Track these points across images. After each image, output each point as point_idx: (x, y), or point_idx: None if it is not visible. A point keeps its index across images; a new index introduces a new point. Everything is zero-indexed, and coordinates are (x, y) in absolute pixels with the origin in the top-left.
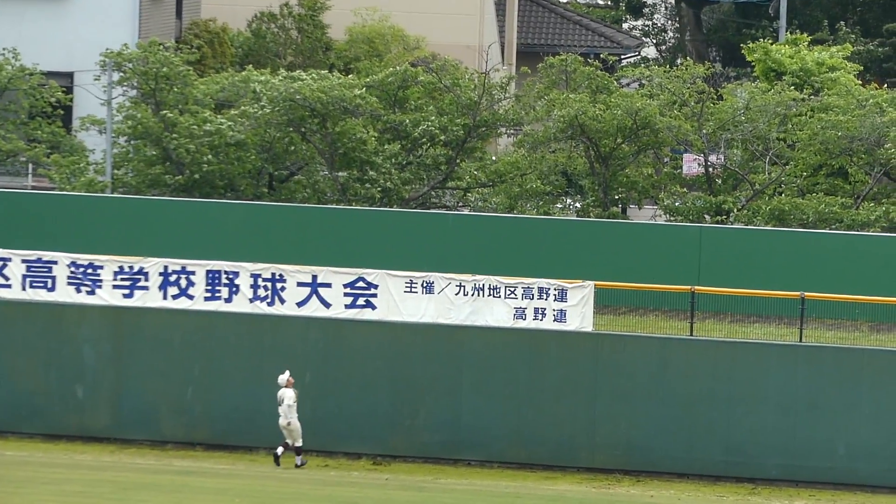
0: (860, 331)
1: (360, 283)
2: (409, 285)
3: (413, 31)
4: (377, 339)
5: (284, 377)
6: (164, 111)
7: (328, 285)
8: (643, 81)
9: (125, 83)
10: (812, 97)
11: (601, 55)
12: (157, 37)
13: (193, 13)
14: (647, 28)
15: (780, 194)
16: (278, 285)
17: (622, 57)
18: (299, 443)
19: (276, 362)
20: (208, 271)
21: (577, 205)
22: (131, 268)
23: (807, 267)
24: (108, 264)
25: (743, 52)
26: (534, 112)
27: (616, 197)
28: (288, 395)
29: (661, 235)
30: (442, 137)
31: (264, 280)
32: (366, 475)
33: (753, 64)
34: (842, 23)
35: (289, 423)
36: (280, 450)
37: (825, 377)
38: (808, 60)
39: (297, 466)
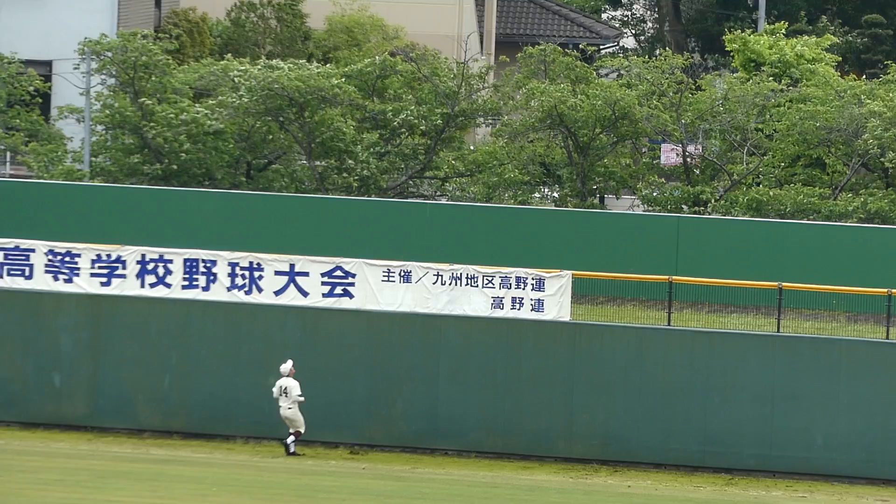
0: (838, 321)
1: (338, 272)
2: (386, 274)
3: (392, 20)
4: (355, 328)
5: (286, 366)
6: (142, 100)
7: (305, 274)
8: (622, 72)
9: (103, 72)
10: (790, 88)
11: (580, 45)
12: (136, 26)
13: (172, 2)
14: (625, 18)
15: (758, 185)
16: (256, 274)
17: (601, 47)
18: (301, 430)
19: (253, 351)
20: (186, 260)
21: (555, 195)
22: (109, 256)
23: (784, 257)
24: (86, 252)
25: (724, 40)
26: (512, 102)
27: (594, 187)
28: (291, 385)
29: (639, 225)
30: (421, 127)
31: (242, 269)
32: (343, 464)
33: (732, 54)
34: (823, 17)
35: (291, 412)
36: (291, 439)
37: (803, 367)
38: (786, 51)
39: (287, 453)
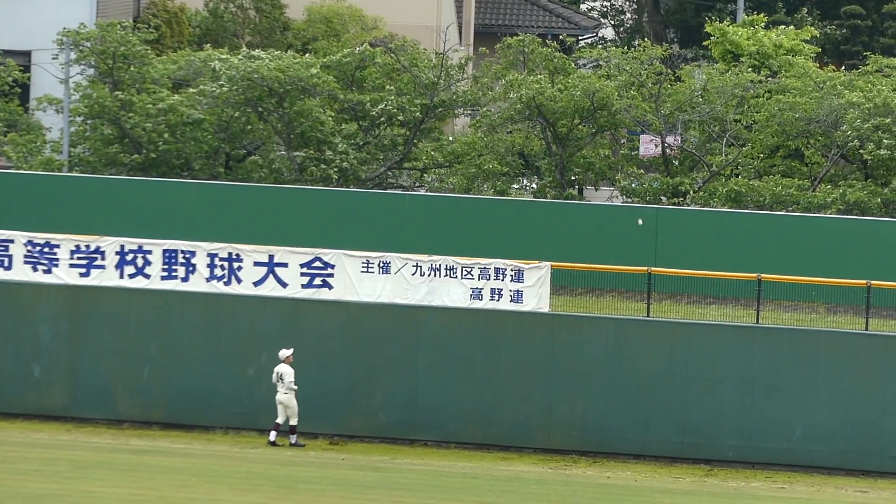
0: (817, 312)
1: (317, 263)
2: (365, 265)
3: (371, 11)
4: (334, 319)
5: (283, 353)
6: (120, 91)
7: (285, 265)
8: (601, 63)
9: (82, 62)
10: (769, 79)
11: (559, 36)
12: (115, 16)
13: None
14: (604, 9)
15: (737, 176)
16: (235, 265)
17: (580, 38)
18: (294, 421)
19: (232, 342)
20: (165, 250)
21: (534, 186)
22: (88, 247)
23: (763, 249)
24: (65, 243)
25: (706, 29)
26: (491, 93)
27: (573, 178)
28: (286, 372)
29: (618, 217)
30: (399, 118)
31: (221, 259)
32: (322, 455)
33: (710, 47)
34: (802, 8)
35: (285, 398)
36: (273, 434)
37: (782, 359)
38: (765, 43)
39: (291, 445)
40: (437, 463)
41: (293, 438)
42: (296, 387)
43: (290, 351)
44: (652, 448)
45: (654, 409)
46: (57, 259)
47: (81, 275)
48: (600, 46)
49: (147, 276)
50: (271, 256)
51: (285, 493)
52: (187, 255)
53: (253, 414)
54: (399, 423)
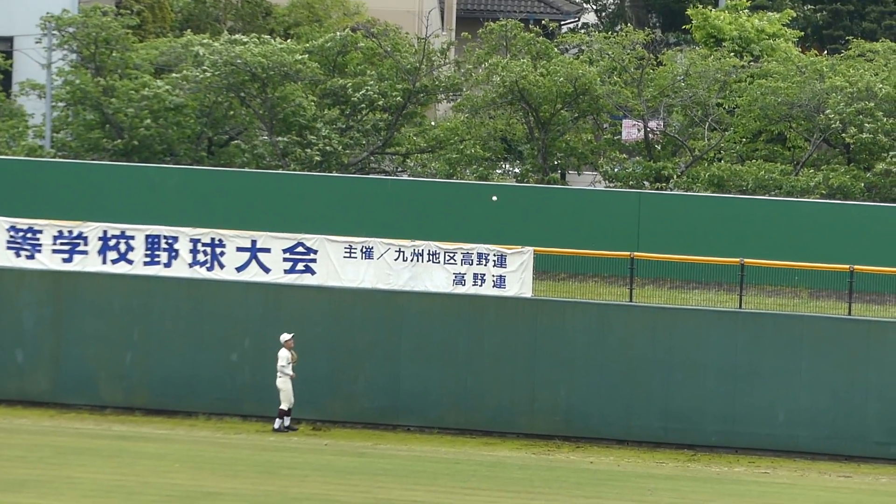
0: (800, 297)
1: (300, 249)
2: (348, 250)
3: None
4: (317, 305)
5: (285, 337)
6: (101, 77)
7: (267, 250)
8: (583, 47)
9: (65, 47)
10: (752, 63)
11: (542, 21)
12: (97, 1)
13: None
14: None
15: (720, 160)
16: (217, 250)
17: (562, 23)
18: (284, 406)
19: (215, 327)
20: (147, 236)
21: (517, 170)
22: (70, 232)
23: (746, 233)
24: (48, 228)
25: (688, 14)
26: (474, 77)
27: (555, 163)
28: (279, 356)
29: (601, 201)
30: (381, 102)
31: (203, 245)
32: (305, 440)
33: (691, 32)
34: None
35: (278, 382)
36: (279, 422)
37: (765, 344)
38: (747, 27)
39: (274, 430)
40: (419, 448)
41: (278, 423)
42: (290, 372)
43: (290, 336)
44: (635, 433)
45: (637, 395)
46: (40, 244)
47: (64, 260)
48: (583, 31)
49: (130, 262)
50: (254, 242)
51: (268, 478)
52: (170, 241)
53: (236, 399)
54: (382, 409)
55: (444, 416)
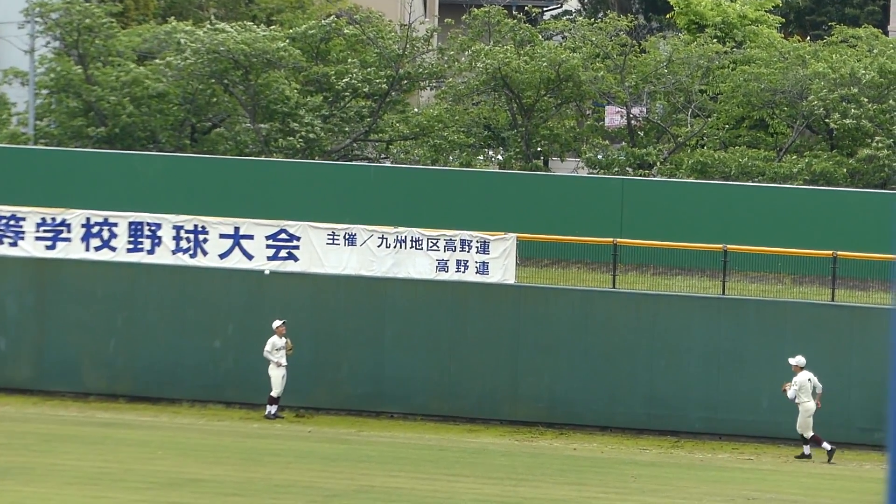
0: (783, 283)
1: (283, 235)
2: (331, 237)
3: None
4: (299, 292)
5: (276, 324)
6: (83, 65)
7: (250, 237)
8: (566, 34)
9: (48, 34)
10: (734, 49)
11: (525, 7)
12: None
13: None
14: None
15: (703, 147)
16: (201, 237)
17: (545, 9)
18: (271, 393)
19: (199, 314)
20: (131, 223)
21: (500, 157)
22: (54, 219)
23: (729, 220)
24: (31, 216)
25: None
26: (457, 64)
27: (538, 149)
28: (269, 342)
29: (584, 188)
30: (365, 90)
31: (187, 232)
32: (288, 427)
33: (674, 18)
34: None
35: (269, 368)
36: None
37: (748, 330)
38: (729, 13)
39: (264, 417)
40: (403, 435)
41: (267, 410)
42: (276, 359)
43: (281, 322)
44: (618, 420)
45: (621, 381)
46: (23, 232)
47: (47, 247)
48: (566, 18)
49: (113, 249)
50: (237, 228)
51: (252, 465)
52: (153, 228)
53: (219, 387)
54: (365, 396)
55: (428, 403)
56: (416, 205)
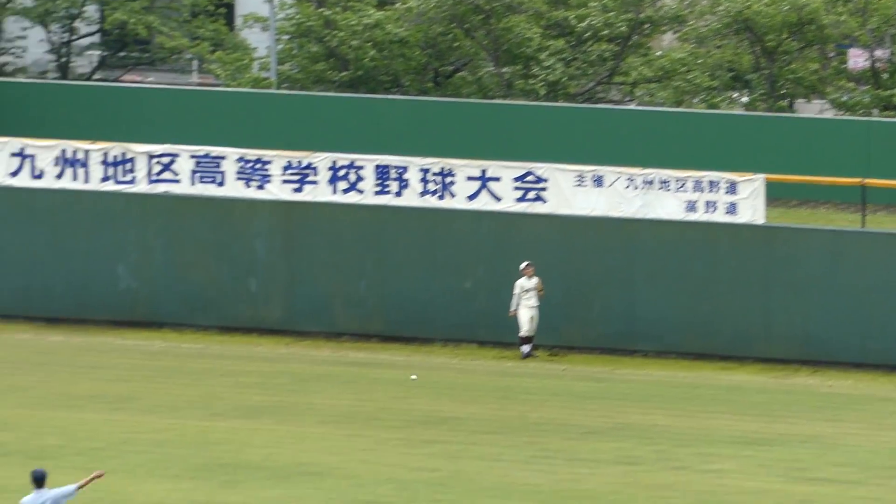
0: None
1: (530, 177)
2: (578, 179)
3: None
4: (548, 233)
5: (522, 265)
6: (324, 8)
7: (497, 179)
8: None
9: None
10: None
11: None
12: None
13: None
14: None
15: None
16: (447, 179)
17: None
18: (521, 332)
19: (447, 255)
20: (377, 166)
21: (744, 100)
22: (300, 163)
23: None
24: (277, 159)
25: None
26: (699, 7)
27: (782, 92)
28: (517, 284)
29: (830, 129)
30: (606, 33)
31: (433, 174)
32: (542, 366)
33: None
34: None
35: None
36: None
37: None
38: None
39: (522, 357)
40: (657, 373)
41: (525, 349)
42: (522, 300)
43: (526, 263)
44: (871, 357)
45: (873, 319)
46: (269, 175)
47: (294, 190)
48: None
49: (360, 192)
50: (483, 171)
51: (507, 403)
52: (399, 171)
53: (471, 326)
54: (618, 334)
55: (681, 342)
56: (662, 147)
